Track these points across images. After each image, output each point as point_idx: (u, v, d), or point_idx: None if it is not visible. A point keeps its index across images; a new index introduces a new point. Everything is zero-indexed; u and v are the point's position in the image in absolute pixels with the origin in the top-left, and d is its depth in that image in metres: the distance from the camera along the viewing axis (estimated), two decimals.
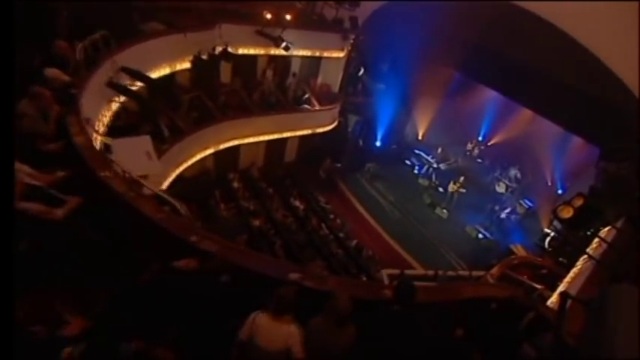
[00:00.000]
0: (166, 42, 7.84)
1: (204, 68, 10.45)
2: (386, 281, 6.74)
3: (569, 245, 5.39)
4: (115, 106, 6.42)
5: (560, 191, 15.22)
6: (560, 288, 5.19)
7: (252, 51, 10.98)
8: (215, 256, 3.02)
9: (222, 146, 11.11)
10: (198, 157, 10.55)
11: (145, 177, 6.30)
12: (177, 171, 9.79)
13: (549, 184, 15.84)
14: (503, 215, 14.17)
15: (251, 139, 11.88)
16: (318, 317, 2.84)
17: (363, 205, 14.38)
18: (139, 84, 7.05)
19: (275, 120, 12.14)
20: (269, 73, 12.42)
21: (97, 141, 5.25)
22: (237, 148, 13.04)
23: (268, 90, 12.31)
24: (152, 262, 2.81)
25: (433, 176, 15.80)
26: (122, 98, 6.61)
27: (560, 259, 6.91)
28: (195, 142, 10.26)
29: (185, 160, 10.09)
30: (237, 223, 8.72)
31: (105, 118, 5.87)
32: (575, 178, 14.18)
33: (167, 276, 2.79)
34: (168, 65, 8.33)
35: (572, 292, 4.38)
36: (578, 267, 5.30)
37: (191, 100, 10.60)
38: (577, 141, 14.25)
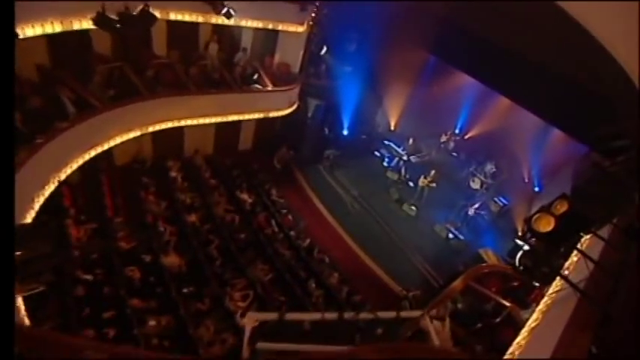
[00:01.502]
0: None
1: (126, 34, 8.79)
2: (246, 337, 4.48)
3: (546, 266, 4.04)
4: None
5: (537, 189, 14.15)
6: (531, 323, 3.86)
7: (187, 17, 9.27)
8: None
9: (150, 129, 9.42)
10: (118, 140, 8.84)
11: None
12: (87, 155, 8.09)
13: (526, 180, 14.71)
14: (471, 211, 12.94)
15: (189, 122, 10.20)
16: None
17: (322, 199, 12.92)
18: None
19: (217, 100, 10.48)
20: (213, 46, 10.74)
21: None
22: (180, 133, 11.39)
23: (211, 66, 10.64)
24: None
25: (403, 169, 14.42)
26: None
27: (535, 282, 5.54)
28: (114, 122, 8.56)
29: (99, 144, 8.39)
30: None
31: None
32: (553, 176, 13.05)
33: None
34: (58, 21, 6.59)
35: (552, 338, 3.00)
36: (555, 292, 4.01)
37: (110, 72, 8.90)
38: (556, 135, 13.07)
